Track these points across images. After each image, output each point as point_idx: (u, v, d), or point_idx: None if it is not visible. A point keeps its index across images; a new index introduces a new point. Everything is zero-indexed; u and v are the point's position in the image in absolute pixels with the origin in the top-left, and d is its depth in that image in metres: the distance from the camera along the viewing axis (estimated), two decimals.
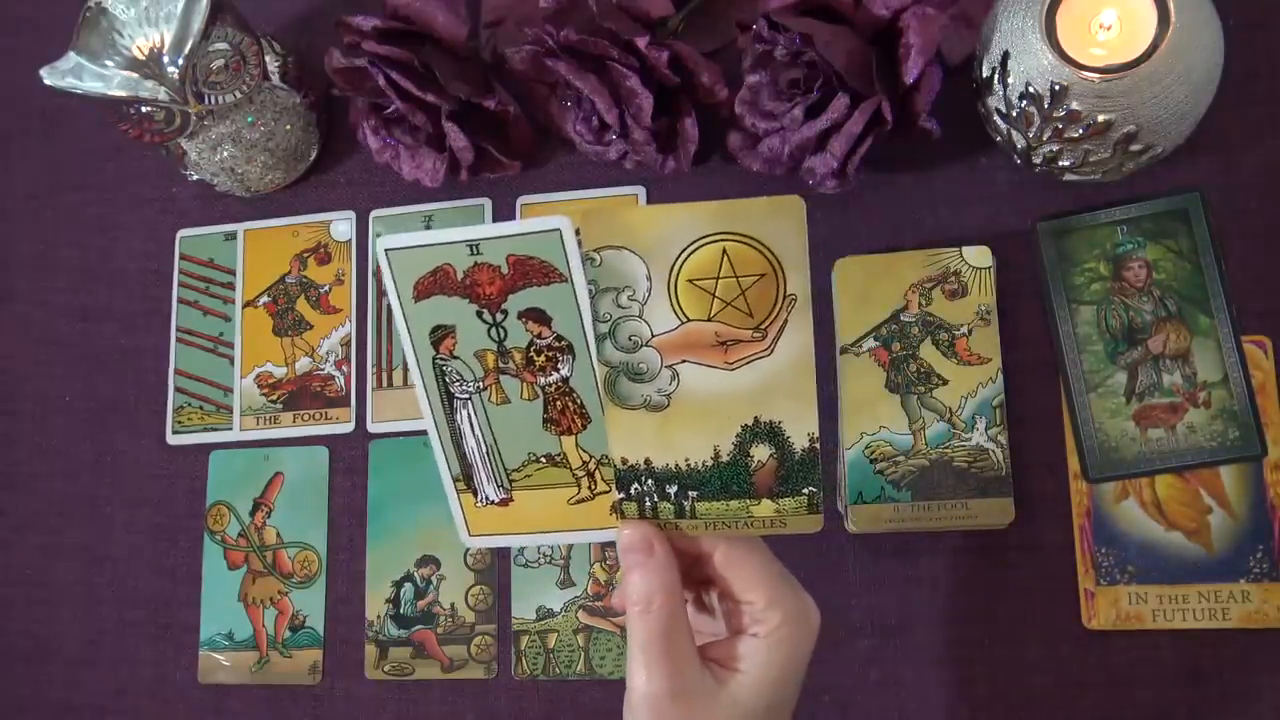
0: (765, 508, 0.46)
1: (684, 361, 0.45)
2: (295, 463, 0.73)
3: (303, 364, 0.74)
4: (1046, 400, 0.64)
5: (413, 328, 0.48)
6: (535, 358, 0.48)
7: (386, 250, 0.47)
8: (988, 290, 0.64)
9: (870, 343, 0.65)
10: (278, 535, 0.72)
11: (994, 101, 0.60)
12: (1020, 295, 0.65)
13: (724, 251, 0.44)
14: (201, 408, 0.75)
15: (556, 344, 0.47)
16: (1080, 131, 0.58)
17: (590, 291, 0.45)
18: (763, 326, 0.45)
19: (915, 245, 0.66)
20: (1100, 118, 0.57)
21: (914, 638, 0.64)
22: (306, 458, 0.73)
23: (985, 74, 0.60)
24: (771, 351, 0.45)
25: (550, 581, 0.68)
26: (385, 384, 0.72)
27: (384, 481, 0.71)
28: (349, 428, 0.73)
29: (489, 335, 0.48)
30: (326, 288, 0.75)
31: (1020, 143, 0.61)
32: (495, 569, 0.69)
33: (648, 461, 0.46)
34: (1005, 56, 0.58)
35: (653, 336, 0.45)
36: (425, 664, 0.69)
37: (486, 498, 0.50)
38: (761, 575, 0.47)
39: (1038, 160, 0.61)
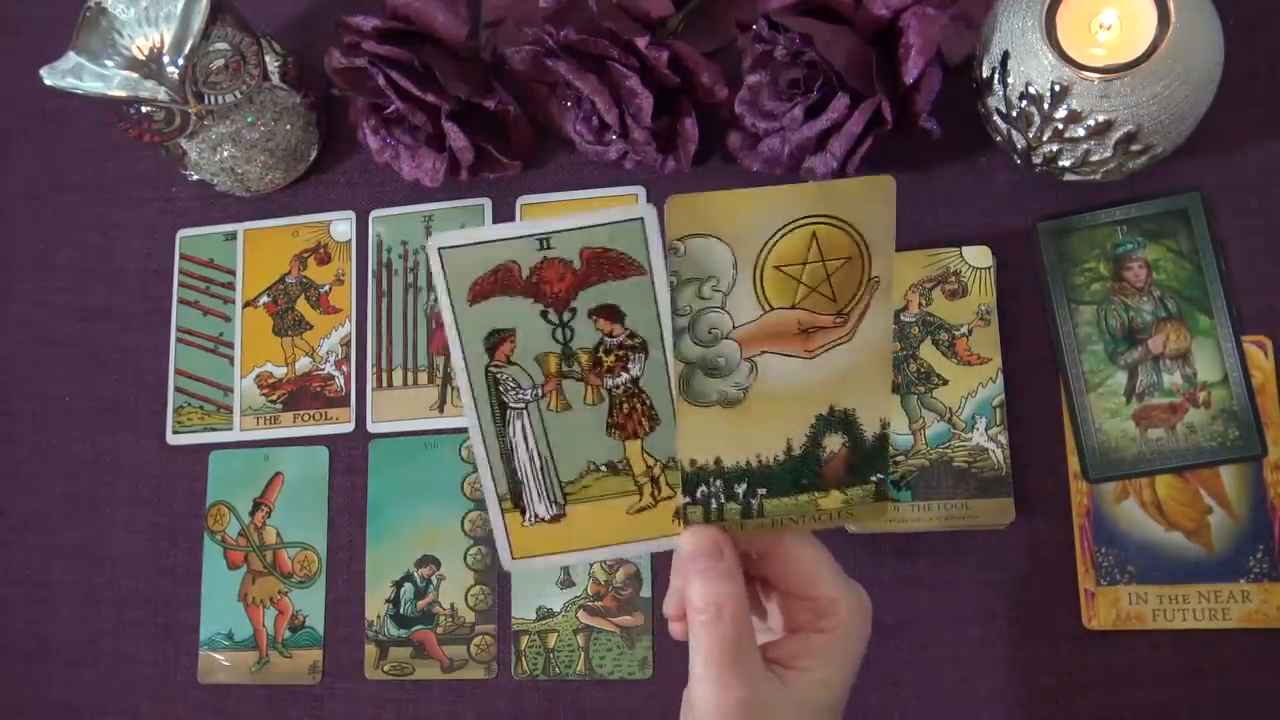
0: (833, 499, 0.45)
1: (763, 353, 0.43)
2: (295, 463, 0.73)
3: (303, 364, 0.74)
4: (1046, 400, 0.64)
5: (464, 333, 0.44)
6: (604, 358, 0.45)
7: (440, 249, 0.43)
8: (988, 290, 0.64)
9: None
10: (278, 535, 0.72)
11: (994, 101, 0.60)
12: (1020, 295, 0.65)
13: (813, 235, 0.42)
14: (201, 408, 0.75)
15: (628, 342, 0.45)
16: (1080, 131, 0.58)
17: (671, 284, 0.42)
18: (845, 311, 0.43)
19: (915, 245, 0.66)
20: (1100, 118, 0.57)
21: (914, 638, 0.64)
22: (306, 458, 0.73)
23: (985, 74, 0.60)
24: (852, 337, 0.43)
25: (550, 581, 0.68)
26: (385, 384, 0.72)
27: (384, 481, 0.71)
28: (349, 428, 0.73)
29: (554, 337, 0.44)
30: (326, 288, 0.75)
31: (1020, 143, 0.61)
32: (495, 569, 0.69)
33: (718, 461, 0.45)
34: (1005, 56, 0.58)
35: (734, 328, 0.43)
36: (425, 664, 0.69)
37: (536, 515, 0.47)
38: (823, 570, 0.46)
39: (1038, 160, 0.61)
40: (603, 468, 0.46)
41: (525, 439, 0.46)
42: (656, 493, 0.47)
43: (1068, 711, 0.62)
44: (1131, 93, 0.56)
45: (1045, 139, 0.59)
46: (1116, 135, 0.57)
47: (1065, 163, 0.60)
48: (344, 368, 0.73)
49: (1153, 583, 0.61)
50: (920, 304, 0.65)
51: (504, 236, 0.43)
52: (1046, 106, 0.57)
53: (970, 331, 0.64)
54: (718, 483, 0.45)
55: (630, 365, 0.45)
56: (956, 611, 0.63)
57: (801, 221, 0.41)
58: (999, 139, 0.62)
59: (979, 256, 0.64)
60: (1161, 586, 0.61)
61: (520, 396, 0.45)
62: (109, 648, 0.73)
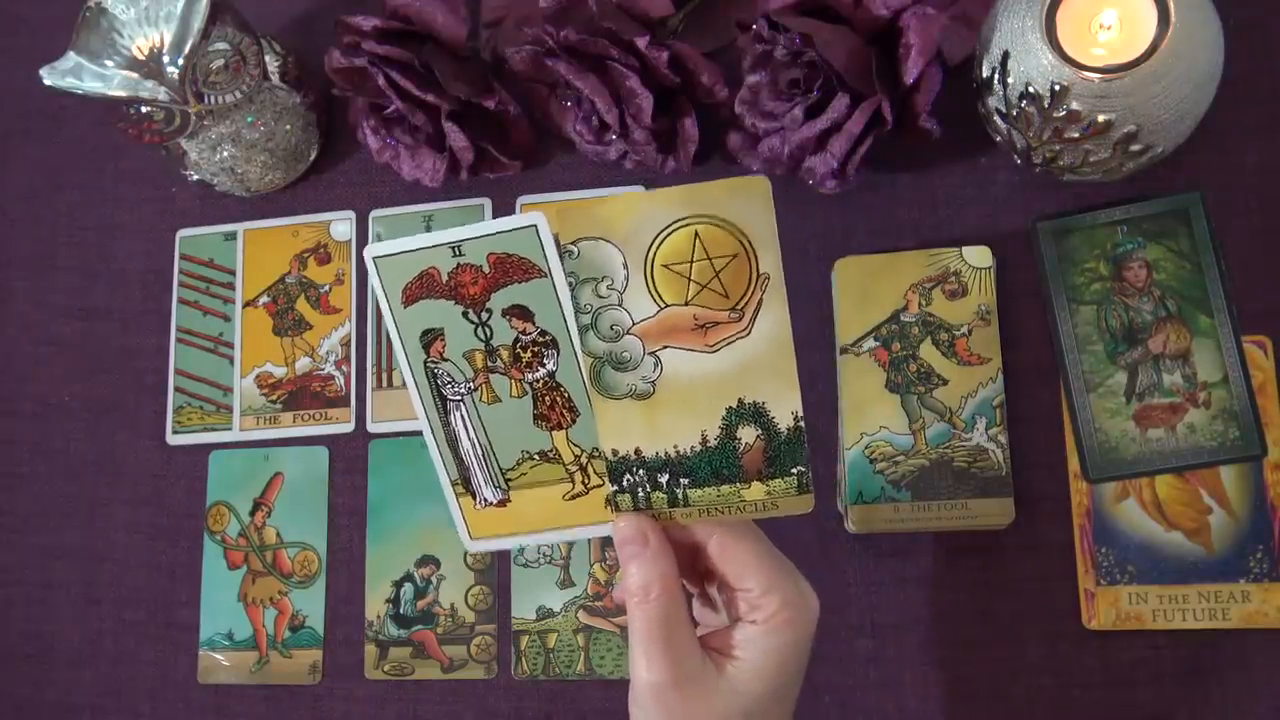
0: (756, 490, 0.47)
1: (666, 347, 0.46)
2: (295, 463, 0.73)
3: (303, 364, 0.74)
4: (1046, 400, 0.64)
5: (403, 333, 0.49)
6: (521, 354, 0.48)
7: (374, 258, 0.48)
8: (988, 290, 0.64)
9: (870, 343, 0.65)
10: (278, 535, 0.72)
11: (994, 101, 0.60)
12: (1020, 295, 0.65)
13: (695, 234, 0.45)
14: (201, 408, 0.75)
15: (541, 339, 0.48)
16: (1080, 131, 0.58)
17: (570, 284, 0.46)
18: (739, 307, 0.45)
19: (915, 245, 0.66)
20: (1100, 118, 0.57)
21: (914, 638, 0.64)
22: (306, 458, 0.73)
23: (985, 74, 0.60)
24: (749, 331, 0.45)
25: (550, 581, 0.68)
26: (385, 384, 0.72)
27: (384, 481, 0.71)
28: (349, 428, 0.73)
29: (476, 335, 0.48)
30: (326, 288, 0.75)
31: (1020, 143, 0.61)
32: (495, 569, 0.69)
33: (638, 451, 0.47)
34: (1005, 56, 0.58)
35: (633, 324, 0.46)
36: (425, 664, 0.69)
37: (485, 500, 0.50)
38: (757, 561, 0.47)
39: (1038, 160, 0.61)
40: (536, 455, 0.50)
41: (466, 429, 0.50)
42: (586, 480, 0.49)
43: (1068, 711, 0.62)
44: (1131, 93, 0.56)
45: (1045, 139, 0.59)
46: (1116, 135, 0.57)
47: (1065, 163, 0.60)
48: (344, 368, 0.73)
49: (1153, 583, 0.61)
50: (920, 304, 0.65)
51: (422, 245, 0.47)
52: (1046, 106, 0.57)
53: (970, 331, 0.64)
54: (640, 472, 0.47)
55: (545, 360, 0.48)
56: (956, 611, 0.63)
57: (684, 221, 0.45)
58: (999, 139, 0.62)
59: (979, 256, 0.64)
60: (1161, 586, 0.61)
61: (456, 390, 0.49)
62: (109, 648, 0.73)
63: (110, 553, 0.75)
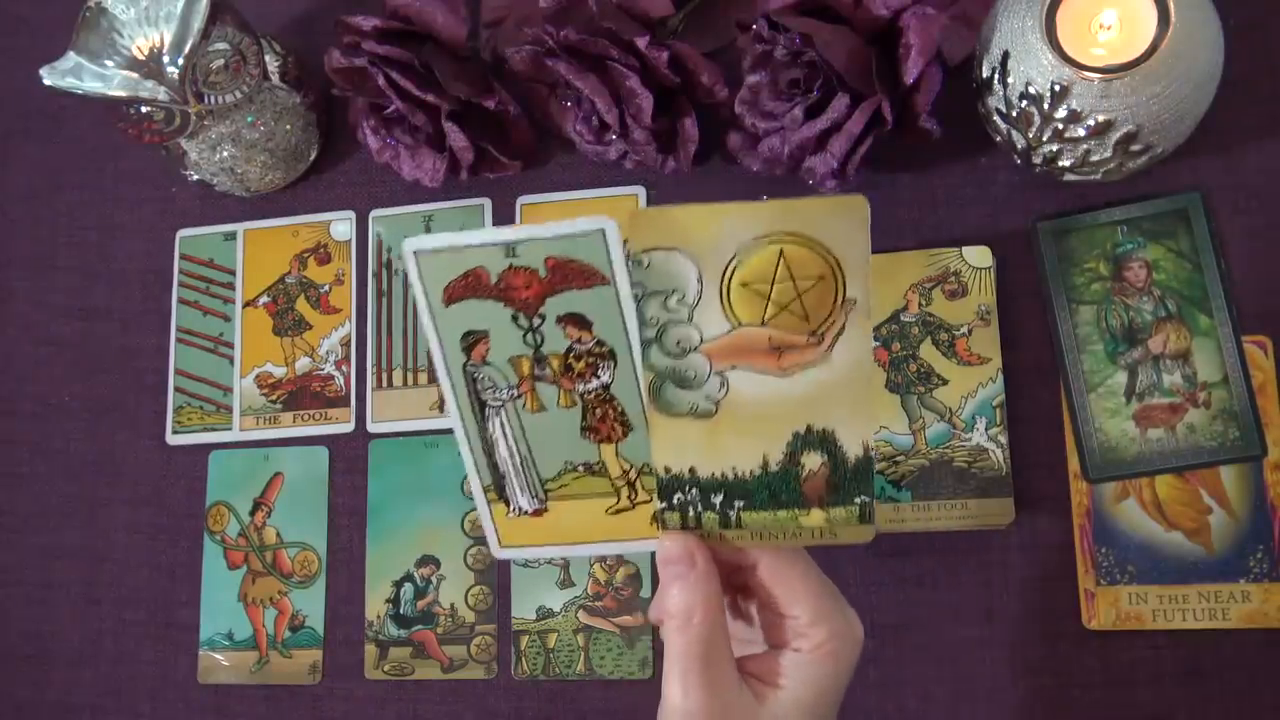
0: (815, 517, 0.44)
1: (734, 368, 0.43)
2: (295, 463, 0.73)
3: (303, 364, 0.74)
4: (1046, 400, 0.64)
5: (443, 334, 0.45)
6: (574, 364, 0.45)
7: (415, 252, 0.44)
8: (988, 290, 0.64)
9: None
10: (278, 535, 0.72)
11: (994, 101, 0.60)
12: (1020, 295, 0.65)
13: (781, 253, 0.41)
14: (201, 408, 0.75)
15: (597, 349, 0.45)
16: (1080, 131, 0.58)
17: (636, 295, 0.42)
18: (819, 331, 0.42)
19: (915, 245, 0.66)
20: (1100, 118, 0.57)
21: (914, 638, 0.64)
22: (306, 458, 0.73)
23: (985, 74, 0.60)
24: (828, 357, 0.42)
25: (550, 581, 0.68)
26: (385, 384, 0.72)
27: (384, 481, 0.71)
28: (349, 428, 0.73)
29: (524, 341, 0.45)
30: (326, 288, 0.75)
31: (1020, 143, 0.61)
32: (495, 569, 0.69)
33: (692, 470, 0.44)
34: (1005, 56, 0.58)
35: (702, 342, 0.43)
36: (425, 664, 0.69)
37: (519, 508, 0.48)
38: (806, 589, 0.45)
39: (1038, 160, 0.61)
40: (580, 468, 0.47)
41: (505, 435, 0.47)
42: (634, 496, 0.47)
43: (1068, 711, 0.62)
44: (1131, 93, 0.56)
45: (1045, 139, 0.59)
46: (1116, 135, 0.57)
47: (1065, 163, 0.60)
48: (344, 368, 0.73)
49: (1153, 583, 0.61)
50: (920, 304, 0.65)
51: (472, 243, 0.43)
52: (1046, 106, 0.57)
53: (970, 331, 0.64)
54: (693, 491, 0.45)
55: (600, 372, 0.45)
56: (956, 611, 0.63)
57: (768, 238, 0.41)
58: (999, 139, 0.62)
59: (979, 256, 0.64)
60: (1161, 586, 0.61)
61: (497, 396, 0.46)
62: (109, 648, 0.73)
63: (110, 553, 0.75)
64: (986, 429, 0.63)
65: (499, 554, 0.49)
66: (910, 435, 0.63)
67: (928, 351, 0.64)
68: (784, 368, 0.43)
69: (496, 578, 0.69)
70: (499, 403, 0.46)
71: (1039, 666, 0.62)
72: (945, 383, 0.64)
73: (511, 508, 0.48)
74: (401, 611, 0.70)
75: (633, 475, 0.46)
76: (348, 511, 0.72)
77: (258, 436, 0.74)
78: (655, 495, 0.45)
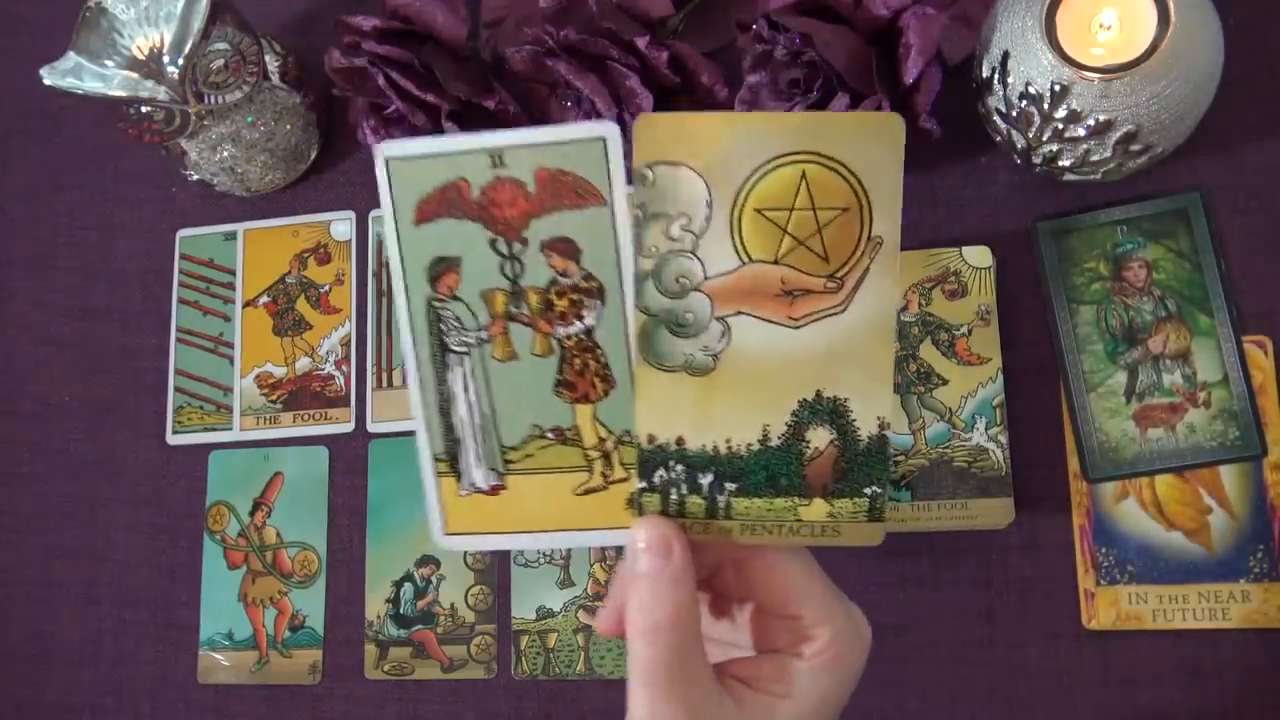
0: (817, 509, 0.39)
1: (739, 313, 0.38)
2: (295, 463, 0.73)
3: (303, 364, 0.74)
4: (1046, 400, 0.64)
5: (407, 258, 0.40)
6: (556, 301, 0.40)
7: (388, 158, 0.39)
8: (988, 290, 0.64)
9: None
10: (278, 535, 0.72)
11: (994, 101, 0.60)
12: (1020, 295, 0.65)
13: (803, 175, 0.36)
14: (201, 408, 0.75)
15: (584, 284, 0.39)
16: (1080, 131, 0.58)
17: (636, 217, 0.37)
18: (839, 275, 0.37)
19: (915, 245, 0.66)
20: (1100, 118, 0.57)
21: (914, 638, 0.64)
22: (306, 458, 0.73)
23: (985, 74, 0.60)
24: (846, 307, 0.37)
25: (550, 581, 0.68)
26: (385, 384, 0.72)
27: (384, 481, 0.71)
28: (349, 428, 0.73)
29: (502, 271, 0.40)
30: (326, 288, 0.75)
31: (1020, 143, 0.61)
32: (495, 569, 0.69)
33: (680, 441, 0.39)
34: (1005, 56, 0.58)
35: (706, 279, 0.37)
36: (425, 664, 0.69)
37: (473, 484, 0.42)
38: (808, 586, 0.40)
39: (1038, 160, 0.61)
40: (549, 434, 0.41)
41: (465, 390, 0.41)
42: (608, 471, 0.41)
43: (1068, 711, 0.62)
44: (1131, 93, 0.56)
45: (1045, 139, 0.59)
46: (1116, 135, 0.57)
47: (1065, 163, 0.60)
48: (344, 368, 0.73)
49: (1153, 583, 0.61)
50: (920, 304, 0.65)
51: (454, 150, 0.38)
52: (1046, 106, 0.57)
53: (970, 331, 0.64)
54: (679, 468, 0.39)
55: (584, 312, 0.40)
56: (956, 611, 0.63)
57: (790, 158, 0.36)
58: (999, 139, 0.62)
59: (979, 256, 0.64)
60: (1161, 586, 0.61)
61: (463, 338, 0.41)
62: (109, 648, 0.73)
63: (110, 553, 0.75)
64: (986, 429, 0.63)
65: (442, 541, 0.43)
66: (910, 435, 0.63)
67: (927, 351, 0.64)
68: (795, 318, 0.38)
69: (496, 578, 0.69)
70: (465, 347, 0.41)
71: (1039, 666, 0.62)
72: (945, 383, 0.64)
73: (464, 483, 0.42)
74: (401, 611, 0.70)
75: (610, 445, 0.41)
76: (348, 511, 0.72)
77: (258, 436, 0.74)
78: (634, 472, 0.40)
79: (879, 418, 0.38)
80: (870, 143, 0.36)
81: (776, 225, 0.37)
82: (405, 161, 0.39)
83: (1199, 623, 0.60)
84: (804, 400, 0.38)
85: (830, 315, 0.37)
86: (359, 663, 0.70)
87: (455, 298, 0.40)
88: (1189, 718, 0.60)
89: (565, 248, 0.39)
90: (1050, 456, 0.64)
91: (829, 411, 0.38)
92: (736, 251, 0.37)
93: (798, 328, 0.38)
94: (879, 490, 0.39)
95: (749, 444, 0.39)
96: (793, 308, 0.38)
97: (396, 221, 0.39)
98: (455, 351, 0.41)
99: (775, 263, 0.37)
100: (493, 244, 0.39)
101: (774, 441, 0.39)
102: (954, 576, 0.64)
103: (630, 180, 0.37)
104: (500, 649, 0.68)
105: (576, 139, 0.38)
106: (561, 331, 0.40)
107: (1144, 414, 0.62)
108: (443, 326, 0.41)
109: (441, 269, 0.40)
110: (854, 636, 0.41)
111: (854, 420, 0.38)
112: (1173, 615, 0.61)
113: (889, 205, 0.36)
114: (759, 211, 0.37)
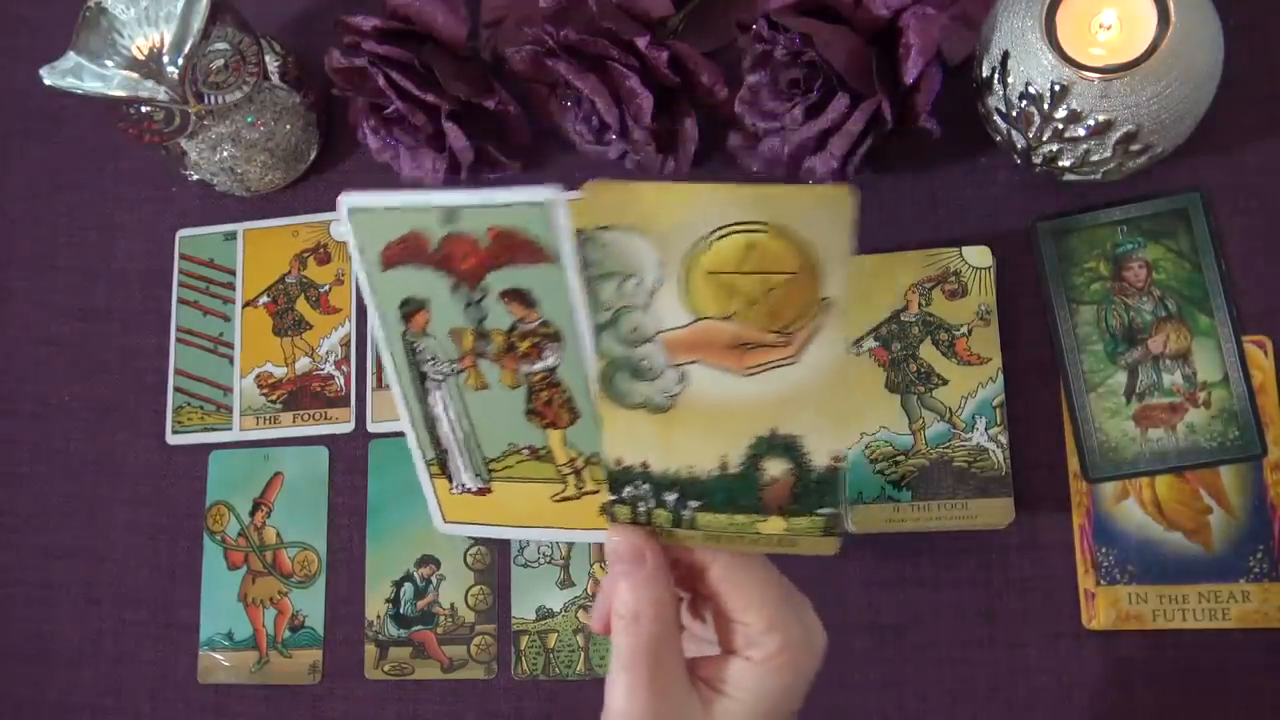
0: (774, 524, 0.41)
1: (694, 362, 0.39)
2: (295, 463, 0.73)
3: (302, 364, 0.74)
4: (1046, 400, 0.64)
5: (380, 299, 0.42)
6: (518, 344, 0.41)
7: (350, 210, 0.41)
8: (988, 290, 0.64)
9: (870, 343, 0.65)
10: (278, 535, 0.72)
11: (994, 101, 0.60)
12: (1020, 295, 0.65)
13: (751, 245, 0.37)
14: (201, 408, 0.75)
15: (542, 330, 0.41)
16: (1080, 131, 0.58)
17: (590, 275, 0.38)
18: (789, 330, 0.38)
19: (915, 245, 0.66)
20: (1100, 118, 0.57)
21: (914, 638, 0.64)
22: (306, 458, 0.73)
23: (985, 74, 0.60)
24: (797, 359, 0.38)
25: (550, 581, 0.68)
26: (385, 384, 0.72)
27: (384, 481, 0.71)
28: (349, 428, 0.73)
29: (465, 314, 0.41)
30: (326, 288, 0.75)
31: (1020, 143, 0.61)
32: (495, 569, 0.69)
33: (645, 465, 0.41)
34: (1005, 56, 0.58)
35: (660, 332, 0.39)
36: (425, 664, 0.69)
37: (463, 485, 0.45)
38: (762, 595, 0.42)
39: (1038, 160, 0.61)
40: (525, 451, 0.43)
41: (446, 411, 0.44)
42: (580, 485, 0.44)
43: (1068, 711, 0.62)
44: (1131, 93, 0.56)
45: (1045, 139, 0.59)
46: (1116, 135, 0.57)
47: (1065, 163, 0.60)
48: (344, 368, 0.73)
49: (1153, 583, 0.61)
50: (920, 304, 0.65)
51: (410, 205, 0.40)
52: (1046, 106, 0.57)
53: (970, 331, 0.64)
54: (646, 486, 0.41)
55: (546, 353, 0.41)
56: (956, 611, 0.63)
57: (739, 227, 0.37)
58: (999, 139, 0.62)
59: (979, 256, 0.64)
60: (1161, 586, 0.61)
61: (438, 369, 0.43)
62: (109, 648, 0.73)
63: (110, 553, 0.75)
64: (986, 429, 0.63)
65: (443, 528, 0.46)
66: (910, 435, 0.63)
67: (928, 351, 0.64)
68: (747, 367, 0.39)
69: (496, 578, 0.69)
70: (441, 376, 0.43)
71: (1039, 666, 0.62)
72: (945, 383, 0.64)
73: (455, 484, 0.45)
74: (401, 611, 0.70)
75: (580, 464, 0.43)
76: (348, 511, 0.72)
77: (258, 436, 0.74)
78: (605, 486, 0.42)
79: (832, 452, 0.40)
80: (820, 214, 0.37)
81: (726, 288, 0.38)
82: (367, 213, 0.41)
83: (1199, 623, 0.60)
84: (760, 436, 0.40)
85: (783, 365, 0.39)
86: (359, 663, 0.70)
87: (427, 334, 0.42)
88: (1189, 718, 0.60)
89: (521, 298, 0.40)
90: (1050, 456, 0.64)
91: (783, 446, 0.40)
92: (687, 308, 0.38)
93: (750, 376, 0.39)
94: (833, 510, 0.40)
95: (709, 470, 0.41)
96: (745, 359, 0.39)
97: (366, 267, 0.41)
98: (433, 378, 0.43)
99: (726, 319, 0.38)
100: (454, 289, 0.41)
101: (732, 470, 0.40)
102: (954, 576, 0.64)
103: (579, 243, 0.38)
104: (500, 649, 0.68)
105: (522, 202, 0.39)
106: (525, 369, 0.42)
107: (1144, 414, 0.62)
108: (418, 358, 0.43)
109: (412, 309, 0.42)
110: (804, 645, 0.43)
111: (807, 454, 0.40)
112: (1172, 615, 0.61)
113: (838, 269, 0.37)
114: (709, 274, 0.38)
